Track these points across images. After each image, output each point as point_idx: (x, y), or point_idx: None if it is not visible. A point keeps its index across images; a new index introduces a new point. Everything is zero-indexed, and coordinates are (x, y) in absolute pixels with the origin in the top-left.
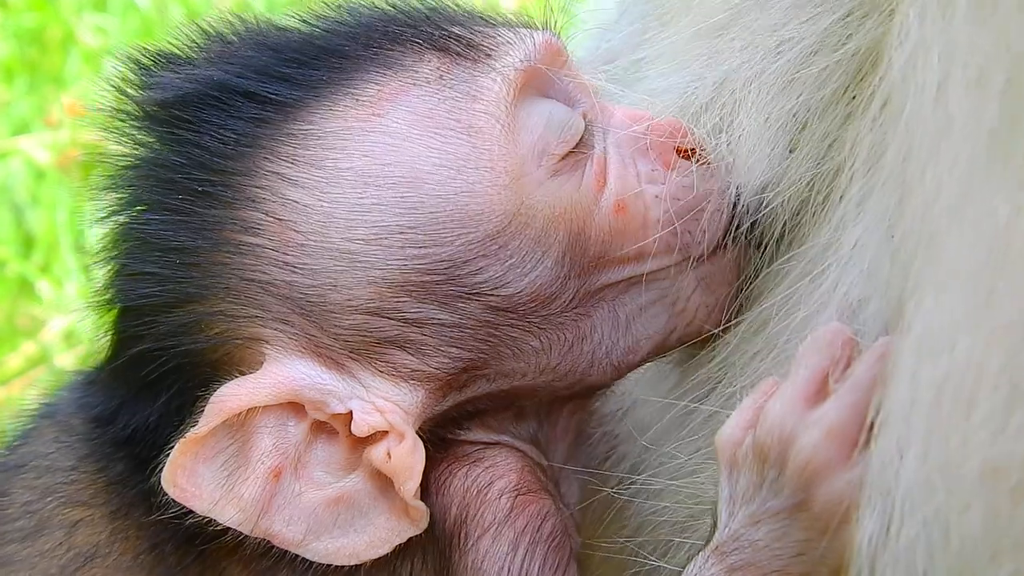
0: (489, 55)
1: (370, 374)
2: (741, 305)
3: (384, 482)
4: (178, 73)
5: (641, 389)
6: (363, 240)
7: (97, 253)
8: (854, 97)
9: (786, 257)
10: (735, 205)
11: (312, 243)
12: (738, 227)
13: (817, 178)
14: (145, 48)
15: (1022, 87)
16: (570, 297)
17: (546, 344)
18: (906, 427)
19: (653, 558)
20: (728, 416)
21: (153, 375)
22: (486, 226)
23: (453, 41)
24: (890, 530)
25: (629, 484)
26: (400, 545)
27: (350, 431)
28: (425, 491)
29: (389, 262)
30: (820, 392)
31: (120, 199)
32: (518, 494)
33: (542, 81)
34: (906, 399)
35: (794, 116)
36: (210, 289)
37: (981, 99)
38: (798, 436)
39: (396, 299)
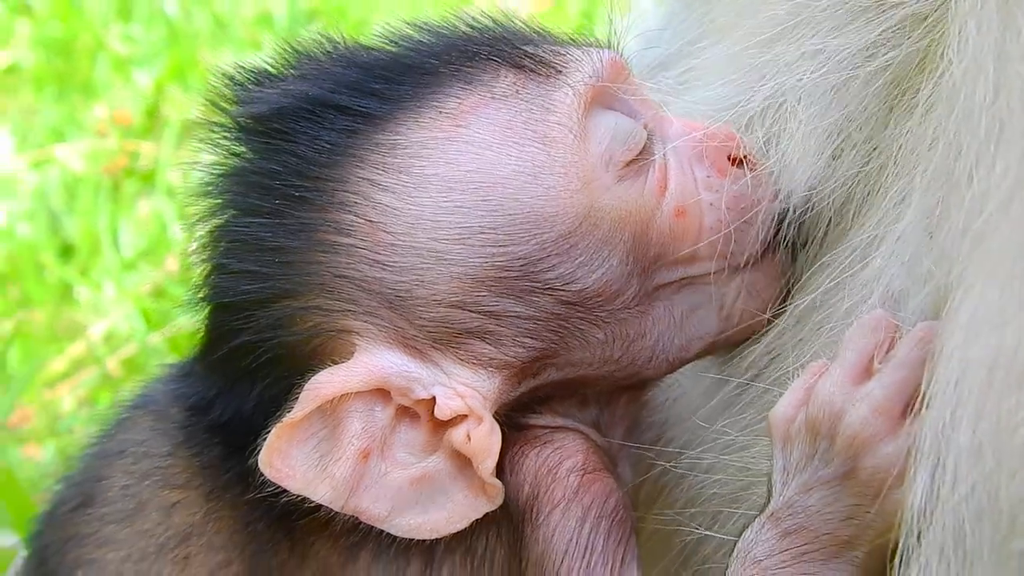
0: (560, 72)
1: (451, 362)
2: (788, 294)
3: (463, 462)
4: (272, 89)
5: (691, 373)
6: (447, 240)
7: (192, 254)
8: (896, 103)
9: (831, 252)
10: (784, 212)
11: (400, 243)
12: (785, 234)
13: (860, 180)
14: (240, 65)
15: None
16: (632, 294)
17: (610, 337)
18: (956, 400)
19: (705, 528)
20: (778, 396)
21: (250, 366)
22: (559, 227)
23: (527, 59)
24: (940, 494)
25: (681, 459)
26: (476, 521)
27: (432, 415)
28: (500, 470)
29: (471, 260)
30: (866, 372)
31: (216, 204)
32: (584, 473)
33: (608, 96)
34: (956, 375)
35: (838, 125)
36: (305, 285)
37: None
38: (847, 411)
39: (477, 293)
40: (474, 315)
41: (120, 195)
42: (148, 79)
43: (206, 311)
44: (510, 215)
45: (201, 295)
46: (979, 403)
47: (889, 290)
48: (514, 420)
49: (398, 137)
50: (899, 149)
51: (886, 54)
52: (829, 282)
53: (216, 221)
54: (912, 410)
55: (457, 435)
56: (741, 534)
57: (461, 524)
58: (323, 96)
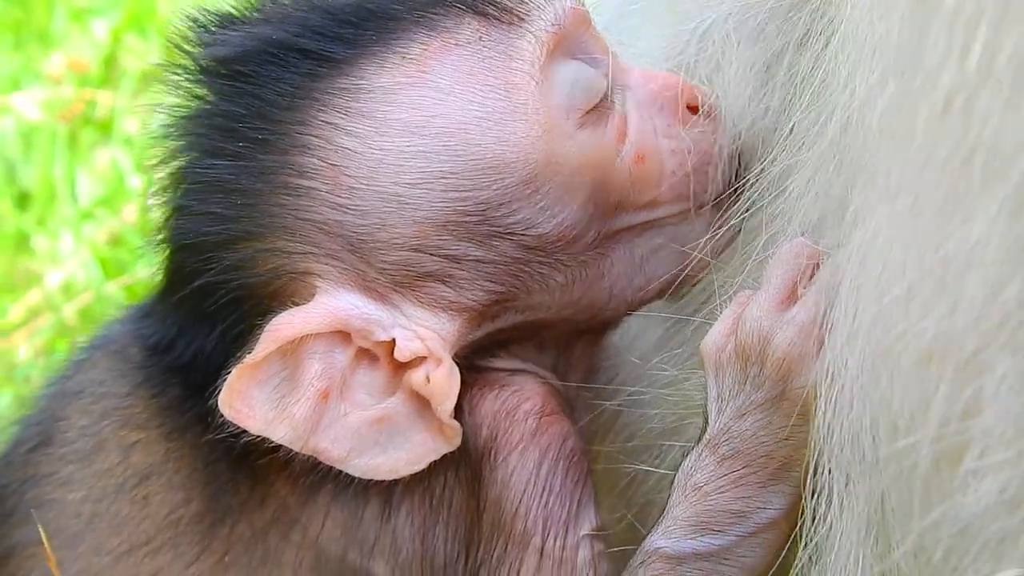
0: (523, 19)
1: (411, 305)
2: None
3: (422, 404)
4: (236, 31)
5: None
6: (409, 184)
7: (153, 196)
8: (811, 28)
9: (755, 184)
10: (738, 153)
11: (362, 186)
12: (736, 170)
13: (783, 111)
14: (204, 8)
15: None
16: (592, 238)
17: (570, 280)
18: (852, 324)
19: (646, 463)
20: (710, 327)
21: (212, 307)
22: (520, 173)
23: (490, 6)
24: (840, 415)
25: (621, 396)
26: (434, 462)
27: (392, 357)
28: (459, 412)
29: (433, 204)
30: (791, 297)
31: (179, 146)
32: (542, 415)
33: (569, 43)
34: (852, 300)
35: (765, 60)
36: (268, 228)
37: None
38: (774, 334)
39: (438, 237)
40: (435, 258)
41: (77, 144)
42: (105, 28)
43: (167, 252)
44: (472, 160)
45: (162, 236)
46: (871, 324)
47: (807, 219)
48: (473, 363)
49: (361, 81)
50: (814, 77)
51: None
52: (752, 214)
53: (178, 162)
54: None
55: (416, 377)
56: (680, 464)
57: (419, 465)
58: (287, 39)
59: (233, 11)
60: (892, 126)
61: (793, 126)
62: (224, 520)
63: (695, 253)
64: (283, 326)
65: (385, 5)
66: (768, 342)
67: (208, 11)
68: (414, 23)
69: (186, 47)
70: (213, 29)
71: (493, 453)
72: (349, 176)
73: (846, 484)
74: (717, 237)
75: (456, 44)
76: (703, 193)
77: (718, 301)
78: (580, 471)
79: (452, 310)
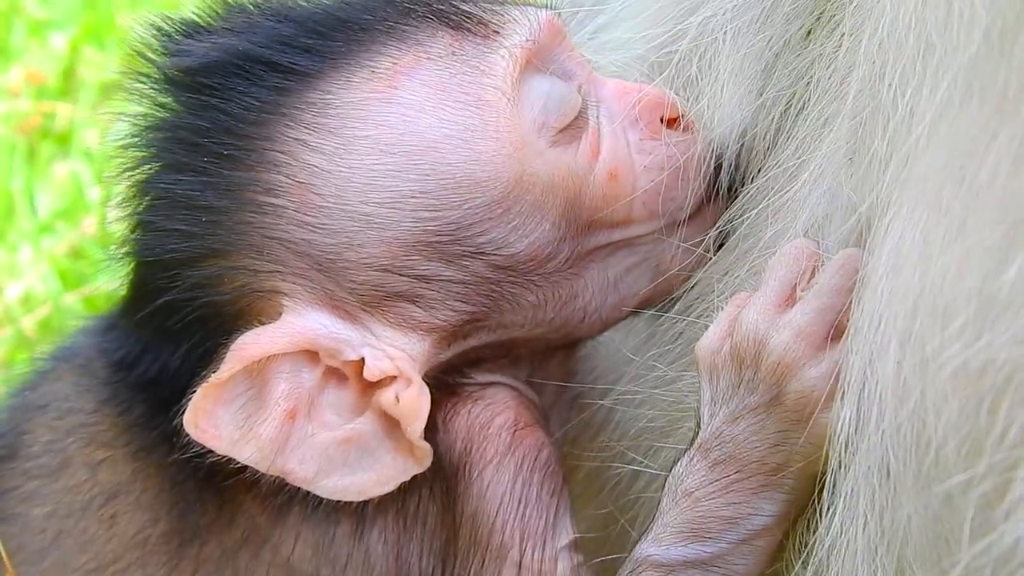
0: (497, 32)
1: (381, 325)
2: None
3: (391, 424)
4: (202, 41)
5: None
6: (378, 203)
7: (116, 208)
8: (814, 26)
9: (757, 183)
10: (720, 157)
11: (330, 205)
12: (722, 179)
13: (784, 110)
14: (168, 16)
15: (1005, 20)
16: (565, 257)
17: (542, 300)
18: (882, 332)
19: (635, 463)
20: (705, 328)
21: (176, 324)
22: (491, 192)
23: (464, 18)
24: (866, 426)
25: (611, 396)
26: (408, 480)
27: (360, 377)
28: (431, 428)
29: (402, 224)
30: (789, 300)
31: (142, 158)
32: (516, 429)
33: (544, 57)
34: (881, 307)
35: (762, 58)
36: (233, 245)
37: (964, 30)
38: (770, 337)
39: (407, 257)
40: (404, 279)
41: (36, 158)
42: (64, 41)
43: (130, 267)
44: (442, 180)
45: (126, 250)
46: (904, 337)
47: (812, 218)
48: (444, 381)
49: (330, 96)
50: (820, 74)
51: None
52: (754, 212)
53: (142, 175)
54: (835, 335)
55: (386, 397)
56: (671, 468)
57: (389, 486)
58: (253, 51)
59: (198, 19)
60: (941, 135)
61: (796, 123)
62: (193, 540)
63: (672, 270)
64: (249, 346)
65: (355, 16)
66: (763, 345)
67: (172, 19)
68: (385, 35)
69: (149, 55)
70: (177, 38)
71: (468, 468)
72: (316, 194)
73: (864, 500)
74: (703, 243)
75: (428, 58)
76: (678, 209)
77: (716, 300)
78: (556, 482)
79: (422, 330)
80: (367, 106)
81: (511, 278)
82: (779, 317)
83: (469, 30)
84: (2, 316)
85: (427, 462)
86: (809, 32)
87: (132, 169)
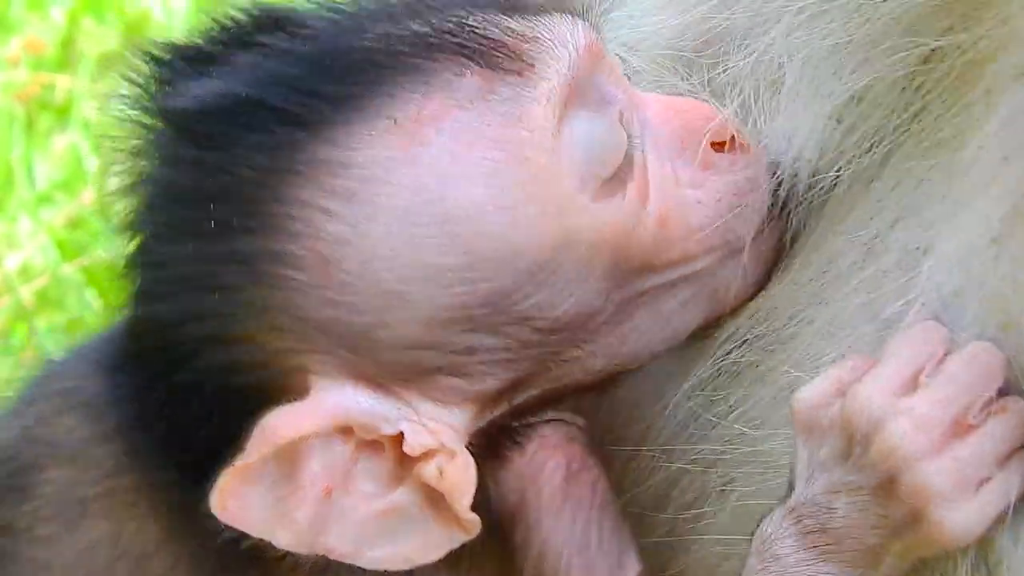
0: (532, 65)
1: (419, 399)
2: (788, 269)
3: (434, 495)
4: (201, 78)
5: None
6: (407, 279)
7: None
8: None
9: (852, 231)
10: (778, 184)
11: (355, 281)
12: (783, 206)
13: (878, 155)
14: (165, 43)
15: None
16: (612, 308)
17: (589, 352)
18: None
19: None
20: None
21: (193, 403)
22: (531, 258)
23: (494, 52)
24: None
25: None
26: None
27: (398, 446)
28: (481, 489)
29: (435, 300)
30: (911, 383)
31: (141, 217)
32: (569, 472)
33: (583, 86)
34: None
35: (850, 88)
36: (249, 325)
37: None
38: (887, 421)
39: (443, 333)
40: (442, 354)
41: (35, 129)
42: (62, 12)
43: (136, 331)
44: (477, 251)
45: (135, 326)
46: None
47: (935, 285)
48: (490, 436)
49: (349, 153)
50: (936, 108)
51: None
52: (840, 264)
53: (144, 239)
54: (957, 432)
55: (428, 471)
56: (759, 526)
57: (436, 555)
58: (257, 95)
59: (199, 46)
60: None
61: (896, 173)
62: None
63: (730, 299)
64: (278, 427)
65: (373, 51)
66: (879, 427)
67: (169, 44)
68: (406, 75)
69: (145, 87)
70: (177, 68)
71: (525, 520)
72: (339, 269)
73: None
74: (760, 268)
75: (455, 105)
76: (738, 239)
77: (794, 353)
78: (614, 516)
79: (464, 400)
80: (390, 167)
81: (555, 339)
82: (898, 400)
83: (501, 67)
84: (1, 286)
85: (476, 531)
86: (925, 60)
87: (133, 226)
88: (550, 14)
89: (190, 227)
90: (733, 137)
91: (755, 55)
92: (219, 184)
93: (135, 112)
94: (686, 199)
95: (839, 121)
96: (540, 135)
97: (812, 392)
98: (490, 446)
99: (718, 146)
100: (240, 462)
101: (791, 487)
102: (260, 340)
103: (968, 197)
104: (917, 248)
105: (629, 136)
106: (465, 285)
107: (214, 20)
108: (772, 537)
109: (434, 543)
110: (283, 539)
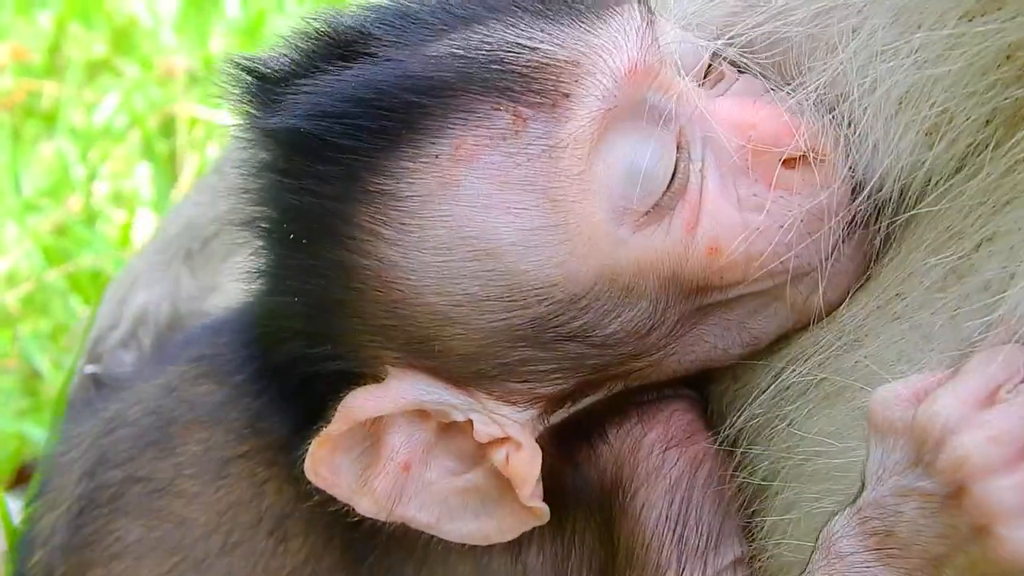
0: (567, 96)
1: (485, 396)
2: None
3: (505, 479)
4: (286, 97)
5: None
6: (452, 304)
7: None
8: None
9: (924, 250)
10: (864, 201)
11: (409, 299)
12: (867, 222)
13: (973, 180)
14: (257, 58)
15: None
16: (672, 323)
17: (655, 361)
18: None
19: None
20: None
21: (294, 377)
22: (570, 290)
23: (526, 86)
24: None
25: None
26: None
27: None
28: (587, 450)
29: (481, 323)
30: (990, 399)
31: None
32: (667, 447)
33: (631, 109)
34: None
35: (940, 106)
36: (336, 320)
37: None
38: (961, 431)
39: (495, 347)
40: (497, 364)
41: (21, 136)
42: (49, 18)
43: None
44: (513, 285)
45: (255, 310)
46: None
47: (1019, 312)
48: (574, 429)
49: (397, 185)
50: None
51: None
52: (931, 280)
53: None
54: None
55: (498, 456)
56: (826, 523)
57: (511, 535)
58: (321, 131)
59: (285, 67)
60: None
61: (990, 200)
62: (363, 560)
63: (811, 310)
64: (357, 406)
65: (417, 86)
66: (952, 434)
67: (261, 62)
68: (446, 109)
69: (245, 103)
70: (267, 89)
71: (621, 491)
72: (395, 288)
73: None
74: (842, 284)
75: (489, 140)
76: (805, 264)
77: (856, 342)
78: (717, 498)
79: (529, 401)
80: (432, 201)
81: (613, 351)
82: (976, 413)
83: (534, 101)
84: None
85: (546, 518)
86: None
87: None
88: (605, 17)
89: (285, 238)
90: (809, 154)
91: (845, 65)
92: (301, 204)
93: (242, 130)
94: (743, 224)
95: (930, 138)
96: (571, 171)
97: (889, 393)
98: (576, 436)
99: (792, 162)
100: (325, 432)
101: (862, 486)
102: (342, 333)
103: None
104: (1004, 272)
105: (689, 155)
106: (508, 312)
107: (289, 38)
108: (838, 535)
109: (508, 525)
110: (364, 505)
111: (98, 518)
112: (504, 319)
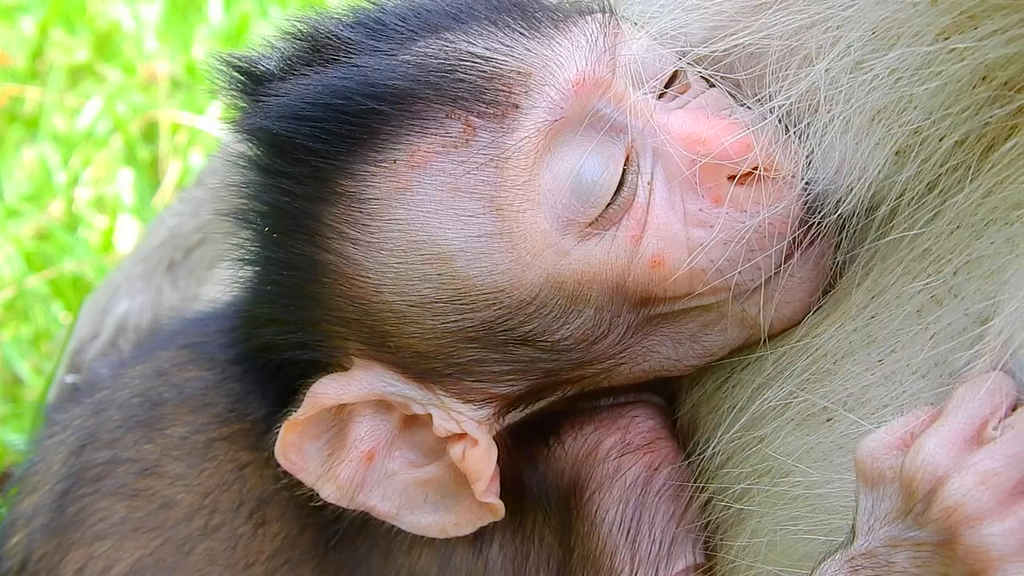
0: (517, 106)
1: (444, 392)
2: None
3: (462, 474)
4: (266, 100)
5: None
6: (408, 304)
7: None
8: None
9: (901, 272)
10: (821, 215)
11: (370, 296)
12: (824, 234)
13: (935, 193)
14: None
15: None
16: (621, 332)
17: (606, 367)
18: None
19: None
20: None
21: (271, 363)
22: (517, 296)
23: (477, 97)
24: None
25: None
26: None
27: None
28: (546, 453)
29: (434, 323)
30: (976, 437)
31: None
32: (623, 452)
33: (580, 121)
34: None
35: (911, 123)
36: (304, 311)
37: None
38: (950, 477)
39: (451, 347)
40: (453, 363)
41: (4, 142)
42: (32, 23)
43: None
44: (463, 289)
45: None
46: None
47: (1004, 339)
48: (531, 430)
49: (359, 187)
50: (1016, 178)
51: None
52: (905, 312)
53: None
54: None
55: (455, 451)
56: (816, 567)
57: (468, 529)
58: (286, 133)
59: (266, 68)
60: None
61: (966, 218)
62: (336, 546)
63: (764, 325)
64: (322, 393)
65: (377, 93)
66: (941, 483)
67: (241, 63)
68: (404, 117)
69: (234, 98)
70: (251, 88)
71: (578, 493)
72: (357, 285)
73: None
74: (796, 299)
75: (442, 147)
76: (749, 280)
77: (830, 366)
78: (672, 505)
79: (485, 400)
80: (389, 204)
81: (565, 356)
82: (963, 456)
83: (485, 111)
84: None
85: (501, 514)
86: (997, 103)
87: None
88: (564, 28)
89: (260, 234)
90: (761, 170)
91: (819, 79)
92: (276, 201)
93: (229, 127)
94: (688, 240)
95: (900, 157)
96: (515, 183)
97: (876, 443)
98: (535, 437)
99: (742, 178)
100: (292, 418)
101: (852, 535)
102: (312, 323)
103: None
104: (987, 299)
105: (638, 168)
106: (459, 314)
107: (272, 39)
108: None
109: (464, 519)
110: (328, 491)
111: (82, 497)
112: (456, 321)
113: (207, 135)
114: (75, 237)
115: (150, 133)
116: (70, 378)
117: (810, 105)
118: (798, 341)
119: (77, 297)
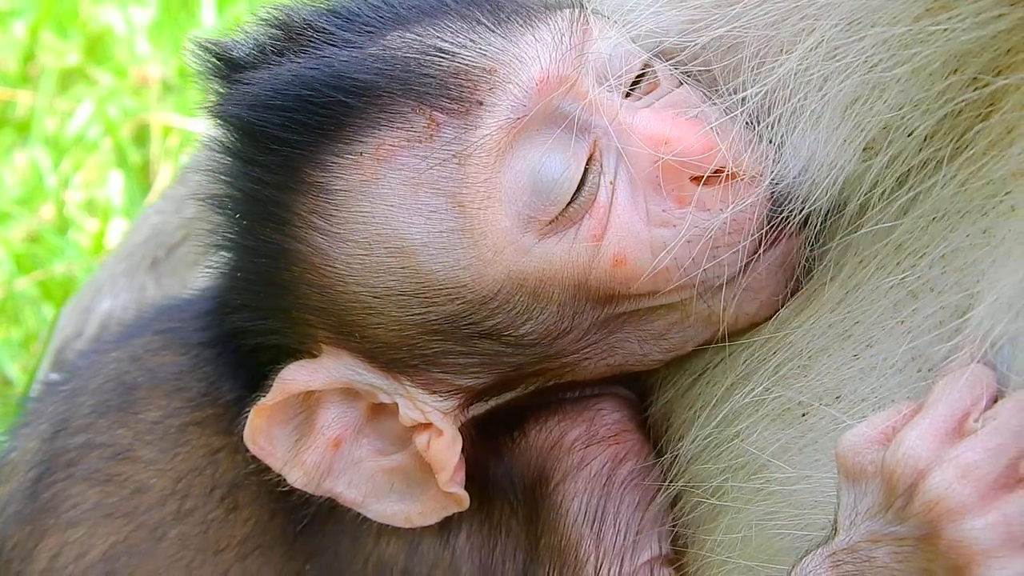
0: (481, 103)
1: (410, 383)
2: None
3: (427, 464)
4: (240, 88)
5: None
6: (373, 295)
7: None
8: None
9: (882, 266)
10: (788, 212)
11: (337, 286)
12: (791, 230)
13: (908, 188)
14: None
15: None
16: (584, 329)
17: (571, 362)
18: None
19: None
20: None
21: (243, 348)
22: (479, 291)
23: (442, 93)
24: None
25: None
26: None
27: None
28: (511, 445)
29: (399, 315)
30: (957, 430)
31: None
32: (588, 444)
33: (543, 119)
34: None
35: (882, 118)
36: (272, 298)
37: None
38: (931, 471)
39: (416, 339)
40: (418, 355)
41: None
42: (23, 26)
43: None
44: (426, 283)
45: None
46: None
47: (984, 330)
48: (498, 421)
49: (327, 178)
50: (990, 169)
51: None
52: (881, 308)
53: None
54: (1008, 483)
55: (420, 440)
56: (797, 563)
57: (433, 519)
58: (259, 123)
59: (238, 53)
60: None
61: (941, 213)
62: (305, 530)
63: (730, 322)
64: (290, 379)
65: (345, 85)
66: (922, 477)
67: (219, 47)
68: (370, 110)
69: (211, 83)
70: (227, 73)
71: (543, 484)
72: (324, 274)
73: None
74: (762, 296)
75: (406, 142)
76: (713, 278)
77: (806, 362)
78: (639, 496)
79: (451, 391)
80: (354, 197)
81: (530, 351)
82: (944, 449)
83: (449, 107)
84: None
85: (466, 504)
86: (972, 92)
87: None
88: (531, 25)
89: (233, 220)
90: (726, 170)
91: (791, 70)
92: (248, 188)
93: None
94: (652, 240)
95: (869, 151)
96: (476, 180)
97: (857, 438)
98: (500, 429)
99: (707, 178)
100: (261, 403)
101: (834, 530)
102: (282, 310)
103: (1018, 241)
104: (964, 291)
105: (601, 167)
106: (423, 307)
107: (248, 26)
108: (810, 574)
109: (429, 509)
110: (295, 477)
111: (55, 483)
112: (420, 313)
113: (198, 138)
114: (66, 240)
115: (141, 136)
116: (53, 376)
117: (781, 97)
118: (772, 336)
119: (66, 299)
